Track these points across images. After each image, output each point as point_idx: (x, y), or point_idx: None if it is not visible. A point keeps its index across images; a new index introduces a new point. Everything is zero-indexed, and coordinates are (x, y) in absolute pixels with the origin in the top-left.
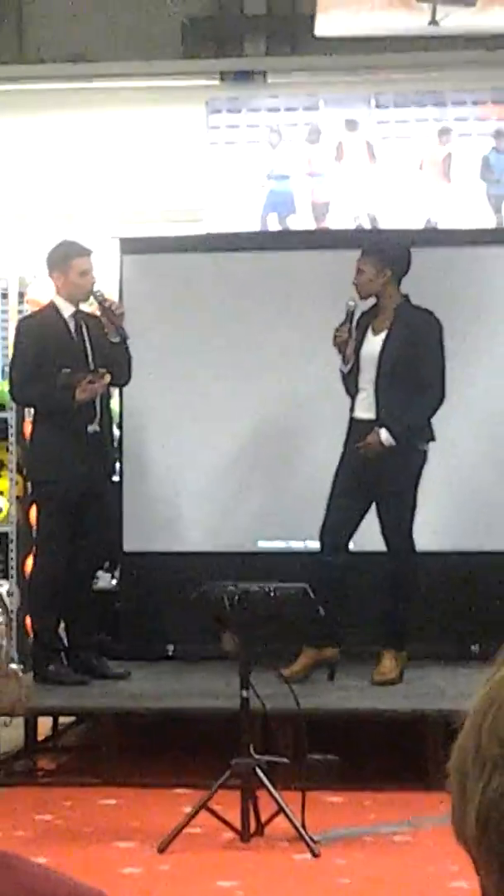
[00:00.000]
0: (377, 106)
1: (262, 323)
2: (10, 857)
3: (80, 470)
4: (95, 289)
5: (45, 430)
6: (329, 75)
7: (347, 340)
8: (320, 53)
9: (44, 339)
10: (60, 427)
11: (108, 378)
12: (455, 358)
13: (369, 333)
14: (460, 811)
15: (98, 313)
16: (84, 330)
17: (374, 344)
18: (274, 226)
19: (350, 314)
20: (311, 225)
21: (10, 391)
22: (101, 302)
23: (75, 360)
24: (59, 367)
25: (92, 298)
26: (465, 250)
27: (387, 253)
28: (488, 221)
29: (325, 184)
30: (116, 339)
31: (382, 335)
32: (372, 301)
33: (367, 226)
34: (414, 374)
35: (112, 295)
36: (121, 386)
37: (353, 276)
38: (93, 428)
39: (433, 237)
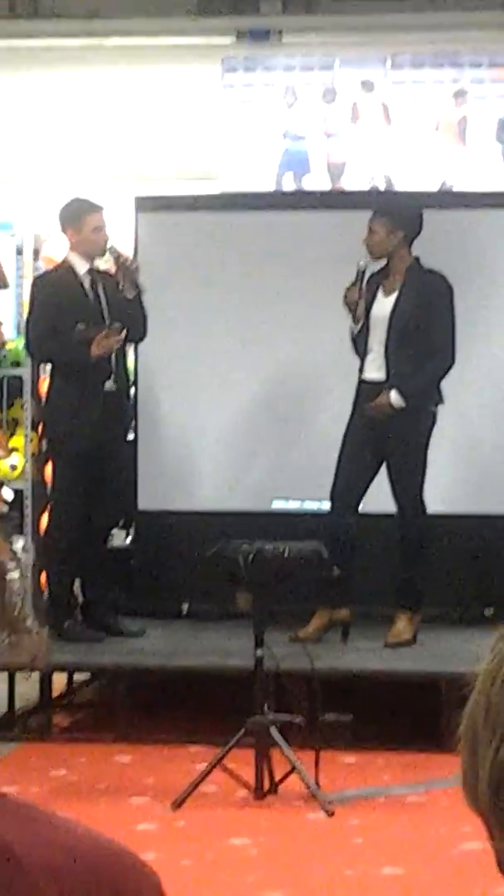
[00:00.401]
0: (393, 67)
1: (277, 282)
2: (32, 809)
3: (95, 427)
4: (110, 245)
5: (61, 388)
6: (345, 35)
7: (358, 300)
8: (336, 13)
9: (59, 295)
10: (76, 384)
11: (123, 333)
12: (467, 320)
13: (380, 294)
14: (472, 775)
15: (113, 269)
16: (99, 286)
17: (384, 305)
18: (289, 185)
19: (361, 274)
20: (326, 185)
21: (27, 347)
22: (117, 257)
23: (91, 317)
24: (75, 324)
25: (108, 255)
26: (480, 212)
27: (399, 214)
28: None
29: (341, 144)
30: (132, 295)
31: (393, 296)
32: (383, 262)
33: (383, 187)
34: (424, 335)
35: (129, 253)
36: (136, 342)
37: (365, 237)
38: (109, 385)
39: (448, 199)
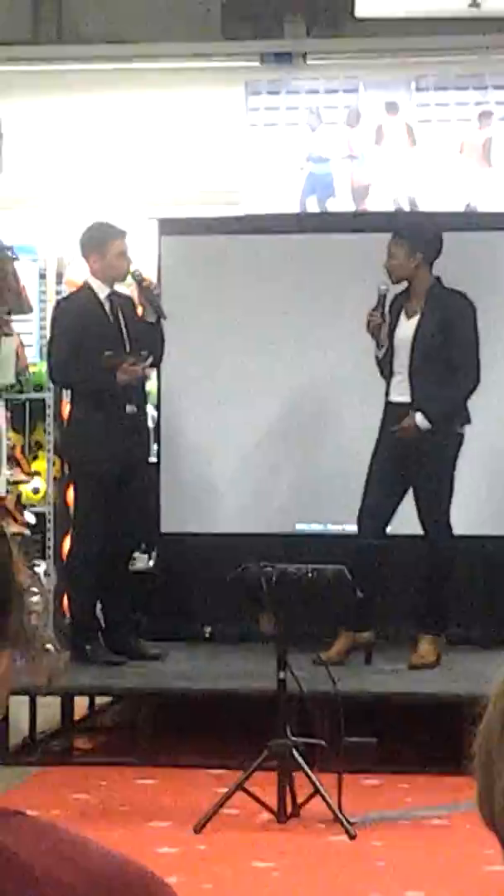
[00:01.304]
0: (417, 89)
1: (300, 305)
2: (47, 826)
3: (118, 450)
4: (133, 268)
5: (84, 411)
6: (369, 58)
7: (381, 325)
8: (361, 35)
9: (81, 320)
10: (99, 408)
11: (150, 360)
12: (490, 340)
13: (402, 317)
14: (486, 794)
15: (133, 293)
16: (119, 310)
17: (407, 327)
18: (313, 208)
19: (382, 298)
20: (350, 208)
21: (50, 373)
22: (140, 282)
23: (112, 341)
24: (97, 348)
25: (130, 279)
26: None
27: (417, 236)
28: None
29: (365, 167)
30: (153, 320)
31: (416, 318)
32: (404, 285)
33: (407, 209)
34: (448, 356)
35: (150, 275)
36: (153, 367)
37: (385, 260)
38: (131, 409)
39: (472, 221)
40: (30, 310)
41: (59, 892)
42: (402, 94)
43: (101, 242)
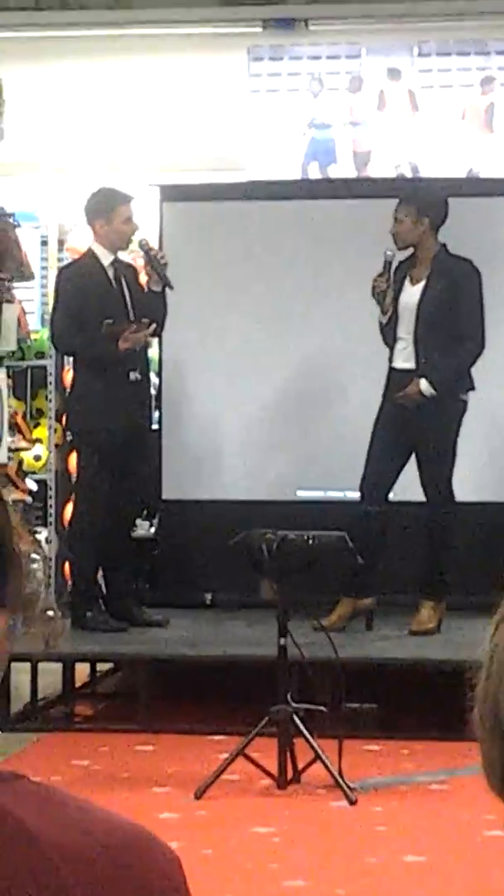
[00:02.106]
0: (419, 55)
1: (302, 271)
2: (49, 790)
3: (120, 418)
4: (139, 237)
5: (87, 378)
6: (371, 23)
7: (386, 290)
8: (363, 1)
9: (84, 287)
10: (102, 375)
11: (152, 328)
12: (495, 307)
13: (407, 283)
14: (496, 758)
15: (135, 262)
16: (122, 278)
17: (412, 294)
18: (315, 175)
19: (388, 264)
20: (352, 174)
21: (52, 340)
22: (147, 251)
23: (115, 309)
24: (100, 316)
25: (137, 247)
26: None
27: (424, 201)
28: None
29: (367, 133)
30: (158, 289)
31: (421, 285)
32: (409, 251)
33: (409, 175)
34: (453, 323)
35: (153, 242)
36: (155, 335)
37: (391, 226)
38: (134, 376)
39: (475, 186)
40: (31, 277)
41: (64, 857)
42: (404, 60)
43: (107, 208)
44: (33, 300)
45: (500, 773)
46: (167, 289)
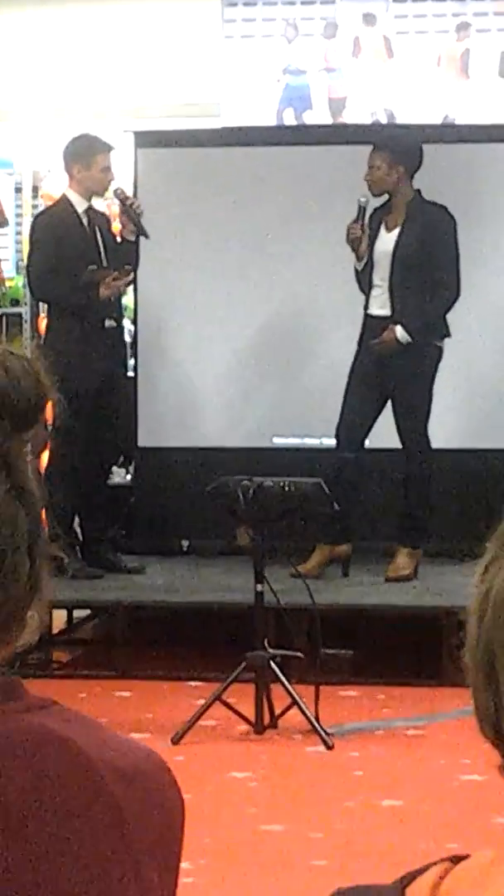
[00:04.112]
0: (395, 0)
1: (277, 218)
2: (84, 716)
3: (97, 365)
4: (115, 186)
5: (62, 325)
6: None
7: (360, 237)
8: None
9: (60, 234)
10: (77, 322)
11: (131, 275)
12: (470, 253)
13: (382, 230)
14: (490, 701)
15: (109, 209)
16: (96, 226)
17: (387, 240)
18: (290, 121)
19: (362, 210)
20: (327, 120)
21: (30, 287)
22: (123, 200)
23: (90, 256)
24: (76, 262)
25: (112, 196)
26: (483, 146)
27: (399, 147)
28: None
29: (342, 79)
30: (132, 237)
31: (396, 231)
32: (384, 198)
33: (384, 121)
34: (428, 269)
35: (128, 190)
36: (128, 284)
37: (366, 173)
38: (109, 323)
39: (451, 133)
40: (5, 223)
41: (113, 774)
42: (379, 6)
43: (87, 154)
44: (7, 247)
45: (494, 719)
46: (143, 237)
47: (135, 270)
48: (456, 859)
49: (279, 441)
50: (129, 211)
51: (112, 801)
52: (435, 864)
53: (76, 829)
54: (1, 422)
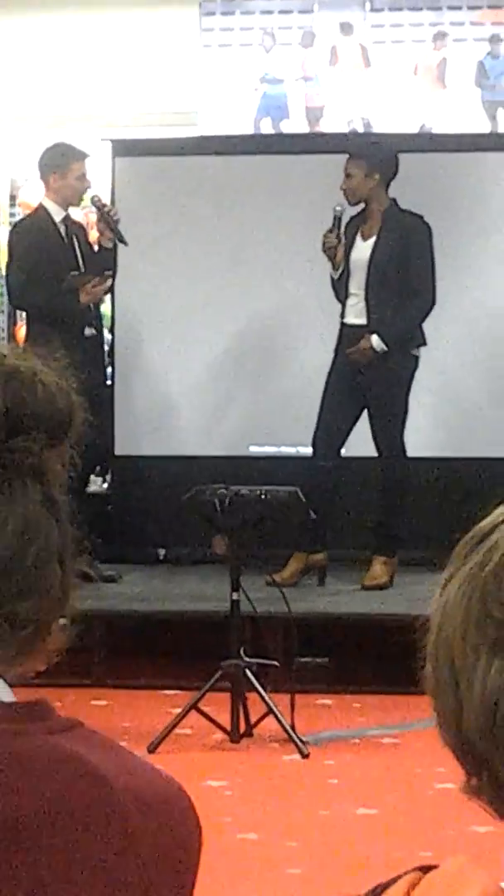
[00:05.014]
0: (372, 9)
1: (255, 227)
2: (105, 737)
3: (76, 373)
4: (92, 194)
5: (41, 334)
6: None
7: (336, 246)
8: None
9: (38, 243)
10: (57, 330)
11: (110, 282)
12: (446, 262)
13: (358, 239)
14: (453, 711)
15: (87, 217)
16: (73, 235)
17: (363, 249)
18: (267, 130)
19: (338, 219)
20: (304, 129)
21: (9, 296)
22: (100, 208)
23: (68, 265)
24: (54, 271)
25: (90, 204)
26: (459, 156)
27: (374, 156)
28: (483, 127)
29: (319, 88)
30: (110, 245)
31: (372, 240)
32: (360, 207)
33: (361, 130)
34: (404, 278)
35: (105, 198)
36: (106, 292)
37: (342, 182)
38: (89, 331)
39: (427, 142)
40: None
41: (134, 801)
42: (356, 15)
43: (62, 163)
44: None
45: (454, 726)
46: (121, 244)
47: (113, 277)
48: (425, 869)
49: (255, 449)
50: (107, 218)
51: (127, 826)
52: (405, 874)
53: (89, 852)
54: (37, 434)
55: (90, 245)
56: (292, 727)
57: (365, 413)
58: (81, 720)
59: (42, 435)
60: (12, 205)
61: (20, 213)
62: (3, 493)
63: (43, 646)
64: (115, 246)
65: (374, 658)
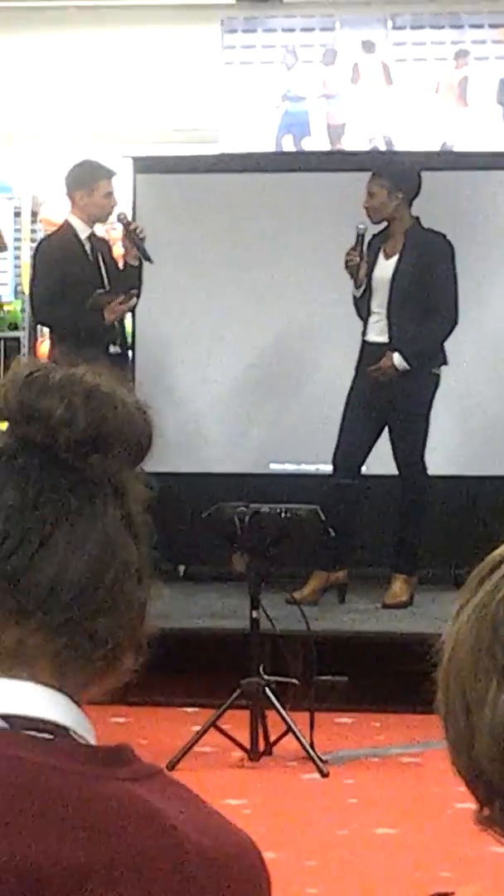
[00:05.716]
0: (394, 27)
1: (276, 244)
2: (182, 787)
3: None
4: (118, 211)
5: (66, 351)
6: None
7: (359, 264)
8: None
9: (63, 260)
10: (82, 348)
11: (135, 300)
12: (468, 281)
13: (381, 257)
14: (464, 739)
15: (108, 234)
16: (98, 252)
17: (385, 267)
18: (289, 147)
19: (360, 237)
20: (326, 147)
21: (34, 312)
22: (126, 225)
23: (93, 282)
24: (80, 288)
25: (116, 221)
26: (481, 174)
27: (397, 174)
28: None
29: (341, 106)
30: (135, 263)
31: (394, 258)
32: (382, 225)
33: (383, 148)
34: (426, 297)
35: (128, 215)
36: (130, 310)
37: (365, 200)
38: (114, 349)
39: (449, 160)
40: (4, 248)
41: (201, 856)
42: (378, 33)
43: (89, 180)
44: (7, 272)
45: (466, 753)
46: (146, 262)
47: (138, 295)
48: None
49: (276, 467)
50: (133, 236)
51: (194, 882)
52: None
53: None
54: (118, 453)
55: (115, 262)
56: (311, 746)
57: (386, 431)
58: (160, 769)
59: (122, 453)
60: (34, 221)
61: (41, 229)
62: (83, 511)
63: (119, 665)
64: (140, 263)
65: (393, 676)
